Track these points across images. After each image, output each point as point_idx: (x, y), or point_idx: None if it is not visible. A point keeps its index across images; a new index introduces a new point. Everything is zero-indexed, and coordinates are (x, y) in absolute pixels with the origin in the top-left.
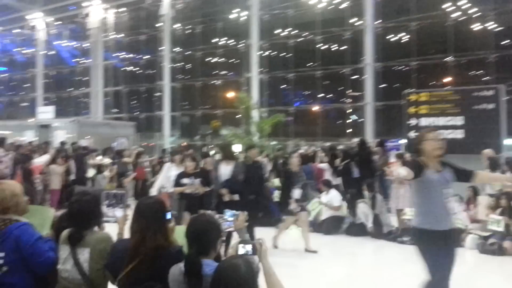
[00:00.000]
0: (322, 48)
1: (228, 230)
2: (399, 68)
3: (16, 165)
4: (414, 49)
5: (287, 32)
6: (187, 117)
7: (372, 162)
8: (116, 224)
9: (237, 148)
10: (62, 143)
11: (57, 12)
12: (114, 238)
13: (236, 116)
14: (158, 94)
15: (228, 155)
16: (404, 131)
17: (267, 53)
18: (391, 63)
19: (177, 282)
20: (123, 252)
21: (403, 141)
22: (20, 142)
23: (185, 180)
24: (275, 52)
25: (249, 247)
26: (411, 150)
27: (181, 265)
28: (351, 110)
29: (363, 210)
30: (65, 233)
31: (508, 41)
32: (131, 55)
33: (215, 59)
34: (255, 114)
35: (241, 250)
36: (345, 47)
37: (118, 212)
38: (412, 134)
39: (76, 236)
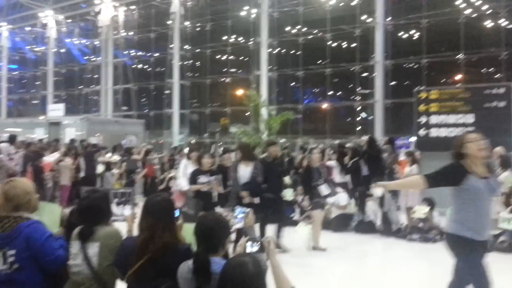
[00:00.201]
0: (332, 45)
1: (237, 227)
2: (410, 65)
3: (26, 163)
4: (425, 46)
5: (296, 30)
6: (196, 114)
7: (381, 160)
8: (125, 223)
9: None
10: (72, 141)
11: (68, 10)
12: (123, 235)
13: (245, 114)
14: (167, 91)
15: (248, 155)
16: (414, 129)
17: (276, 50)
18: (402, 61)
19: (185, 280)
20: (132, 250)
21: (413, 139)
22: (31, 140)
23: (201, 178)
24: (285, 50)
25: (257, 245)
26: (421, 148)
27: (189, 263)
28: (360, 108)
29: (372, 208)
30: (76, 229)
31: None
32: (141, 53)
33: (224, 57)
34: (264, 112)
35: (249, 248)
36: (355, 44)
37: (127, 211)
38: (422, 131)
39: (86, 231)
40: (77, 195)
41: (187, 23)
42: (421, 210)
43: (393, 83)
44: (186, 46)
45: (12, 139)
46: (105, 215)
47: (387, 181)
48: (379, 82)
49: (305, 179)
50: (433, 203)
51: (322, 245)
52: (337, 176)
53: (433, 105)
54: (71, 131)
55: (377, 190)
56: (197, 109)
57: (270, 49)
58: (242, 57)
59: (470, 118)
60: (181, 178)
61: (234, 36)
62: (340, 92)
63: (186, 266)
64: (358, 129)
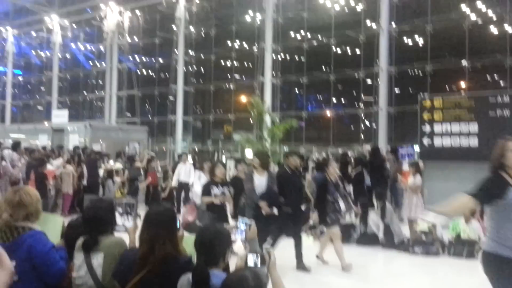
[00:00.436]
0: (336, 51)
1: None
2: (414, 72)
3: (29, 170)
4: (430, 52)
5: (301, 36)
6: (199, 121)
7: (385, 170)
8: (127, 234)
9: (248, 153)
10: (76, 148)
11: (73, 14)
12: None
13: (249, 121)
14: (171, 98)
15: (266, 164)
16: (417, 138)
17: (281, 56)
18: (406, 67)
19: None
20: (132, 262)
21: (417, 147)
22: (34, 147)
23: (214, 190)
24: (289, 56)
25: (257, 258)
26: (425, 157)
27: (189, 275)
28: (364, 116)
29: (374, 219)
30: (80, 240)
31: None
32: (145, 59)
33: (228, 63)
34: (267, 119)
35: (250, 261)
36: (359, 50)
37: (129, 222)
38: (426, 140)
39: (91, 242)
40: (79, 204)
41: (191, 29)
42: (425, 223)
43: (397, 90)
44: (191, 52)
45: (15, 146)
46: (109, 225)
47: (388, 192)
48: (383, 89)
49: (320, 192)
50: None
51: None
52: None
53: (437, 114)
54: (75, 138)
55: (429, 216)
56: (201, 115)
57: (275, 55)
58: (247, 63)
59: (474, 127)
60: (197, 190)
61: (239, 41)
62: (344, 99)
63: (186, 279)
64: (361, 137)
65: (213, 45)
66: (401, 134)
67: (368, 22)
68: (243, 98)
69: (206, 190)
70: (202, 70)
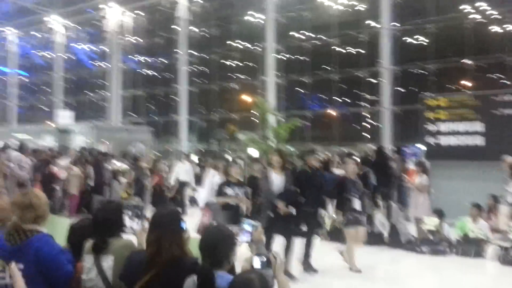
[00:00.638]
0: (339, 50)
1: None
2: (417, 71)
3: (36, 171)
4: (432, 51)
5: (303, 35)
6: (204, 121)
7: (390, 169)
8: (135, 237)
9: (253, 153)
10: (83, 149)
11: (74, 14)
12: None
13: (253, 121)
14: (175, 98)
15: (284, 163)
16: (422, 137)
17: (283, 56)
18: (409, 66)
19: None
20: (138, 264)
21: (421, 146)
22: (41, 147)
23: (228, 191)
24: (291, 56)
25: (264, 261)
26: (430, 156)
27: (195, 277)
28: (368, 115)
29: (380, 219)
30: (89, 243)
31: None
32: (148, 59)
33: (231, 63)
34: (271, 118)
35: (256, 263)
36: (362, 50)
37: (136, 224)
38: (431, 140)
39: (101, 244)
40: (86, 205)
41: (194, 28)
42: (431, 222)
43: (400, 89)
44: (193, 52)
45: (22, 148)
46: (119, 227)
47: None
48: (386, 88)
49: (339, 191)
50: (442, 215)
51: (357, 264)
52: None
53: (440, 112)
54: (80, 139)
55: None
56: (205, 115)
57: (277, 55)
58: (249, 63)
59: (479, 126)
60: (205, 190)
61: (241, 41)
62: (348, 99)
63: (191, 281)
64: (366, 136)
65: (215, 45)
66: (405, 133)
67: (370, 21)
68: (247, 98)
69: (221, 190)
70: (206, 70)
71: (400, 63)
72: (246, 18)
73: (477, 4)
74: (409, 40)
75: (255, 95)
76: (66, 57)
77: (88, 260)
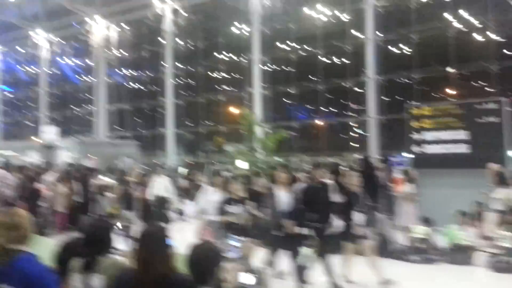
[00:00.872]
0: (324, 61)
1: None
2: (402, 80)
3: (21, 189)
4: (417, 61)
5: (288, 46)
6: (191, 134)
7: (376, 179)
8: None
9: (241, 165)
10: (70, 165)
11: (59, 29)
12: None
13: (240, 132)
14: (161, 111)
15: (290, 179)
16: (408, 146)
17: (268, 67)
18: (393, 76)
19: None
20: (127, 282)
21: (407, 155)
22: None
23: (231, 209)
24: (277, 67)
25: (251, 277)
26: (416, 165)
27: None
28: (355, 124)
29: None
30: (76, 262)
31: (511, 52)
32: (134, 72)
33: (217, 75)
34: (258, 130)
35: (244, 279)
36: (347, 60)
37: (124, 245)
38: (416, 148)
39: (90, 263)
40: (72, 221)
41: (179, 41)
42: (420, 230)
43: (386, 98)
44: (179, 65)
45: (7, 165)
46: (108, 245)
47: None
48: (372, 98)
49: (344, 206)
50: (430, 222)
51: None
52: (335, 196)
53: (424, 121)
54: (66, 154)
55: None
56: (192, 128)
57: (263, 66)
58: (235, 75)
59: (463, 134)
60: (199, 203)
61: (227, 53)
62: (334, 109)
63: None
64: (353, 145)
65: (201, 58)
66: (392, 142)
67: (354, 32)
68: (234, 110)
69: (223, 209)
70: (192, 82)
71: (385, 73)
72: (231, 30)
73: (459, 13)
74: (393, 49)
75: (242, 107)
76: (51, 72)
77: (76, 279)
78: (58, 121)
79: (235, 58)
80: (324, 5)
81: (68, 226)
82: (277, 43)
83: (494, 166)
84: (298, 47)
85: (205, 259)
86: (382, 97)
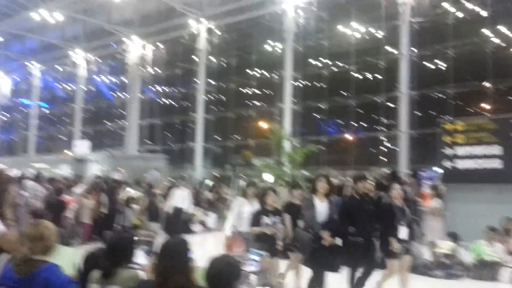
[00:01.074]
0: (357, 77)
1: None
2: (436, 95)
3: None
4: (452, 76)
5: (321, 63)
6: (219, 148)
7: (404, 194)
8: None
9: (268, 178)
10: (98, 177)
11: (97, 49)
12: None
13: (269, 147)
14: (191, 125)
15: (330, 190)
16: (438, 161)
17: (300, 83)
18: (427, 91)
19: None
20: None
21: (438, 170)
22: (55, 177)
23: (266, 219)
24: (309, 82)
25: None
26: (447, 180)
27: None
28: (385, 139)
29: None
30: (95, 273)
31: None
32: (166, 88)
33: (249, 90)
34: (287, 144)
35: None
36: (379, 75)
37: (145, 259)
38: (447, 163)
39: (108, 272)
40: (98, 232)
41: (213, 59)
42: (446, 245)
43: (418, 113)
44: (211, 81)
45: (38, 177)
46: (128, 256)
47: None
48: (404, 112)
49: (387, 220)
50: (457, 238)
51: None
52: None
53: (458, 136)
54: (96, 167)
55: None
56: (220, 142)
57: (294, 82)
58: (267, 90)
59: (496, 150)
60: (231, 220)
61: (259, 70)
62: (365, 123)
63: None
64: (382, 159)
65: (233, 74)
66: (423, 157)
67: (388, 48)
68: (263, 125)
69: (256, 220)
70: (223, 98)
71: (419, 88)
72: (264, 47)
73: (497, 28)
74: (428, 64)
75: (272, 122)
76: (86, 89)
77: None
78: (91, 135)
79: (267, 74)
80: (359, 22)
81: (93, 237)
82: (310, 60)
83: None
84: (331, 63)
85: (224, 273)
86: (415, 112)
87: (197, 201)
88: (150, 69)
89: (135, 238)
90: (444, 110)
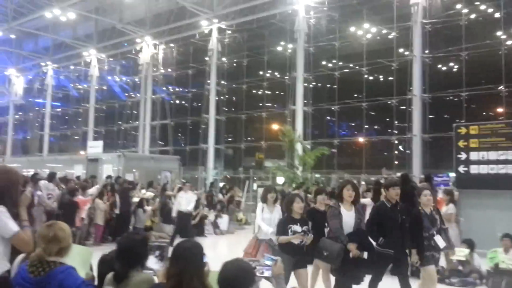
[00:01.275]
0: (369, 79)
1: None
2: (449, 98)
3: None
4: (465, 79)
5: (332, 64)
6: (231, 149)
7: (415, 198)
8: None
9: (280, 180)
10: (108, 177)
11: (110, 49)
12: None
13: (281, 148)
14: (203, 127)
15: (354, 197)
16: (453, 165)
17: (312, 85)
18: (440, 94)
19: None
20: None
21: (453, 175)
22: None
23: (295, 228)
24: (321, 84)
25: None
26: (461, 185)
27: None
28: (397, 142)
29: None
30: (110, 275)
31: None
32: (178, 89)
33: (260, 92)
34: (298, 147)
35: None
36: (392, 78)
37: (158, 265)
38: (462, 168)
39: (121, 274)
40: (111, 233)
41: (224, 59)
42: (461, 252)
43: (432, 116)
44: (223, 82)
45: (51, 177)
46: (141, 259)
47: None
48: (417, 115)
49: (414, 228)
50: (473, 245)
51: None
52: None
53: (473, 141)
54: (108, 168)
55: None
56: (232, 144)
57: (306, 84)
58: (278, 92)
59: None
60: (261, 224)
61: (270, 71)
62: (377, 126)
63: None
64: (395, 163)
65: (245, 75)
66: (435, 160)
67: (400, 49)
68: (275, 126)
69: (283, 228)
70: (234, 99)
71: (432, 91)
72: (276, 48)
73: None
74: (441, 67)
75: (283, 124)
76: (99, 89)
77: None
78: (104, 135)
79: (278, 75)
80: (370, 23)
81: (107, 238)
82: (321, 61)
83: None
84: (342, 64)
85: (237, 278)
86: (428, 115)
87: (210, 203)
88: (162, 69)
89: (147, 240)
90: (457, 114)
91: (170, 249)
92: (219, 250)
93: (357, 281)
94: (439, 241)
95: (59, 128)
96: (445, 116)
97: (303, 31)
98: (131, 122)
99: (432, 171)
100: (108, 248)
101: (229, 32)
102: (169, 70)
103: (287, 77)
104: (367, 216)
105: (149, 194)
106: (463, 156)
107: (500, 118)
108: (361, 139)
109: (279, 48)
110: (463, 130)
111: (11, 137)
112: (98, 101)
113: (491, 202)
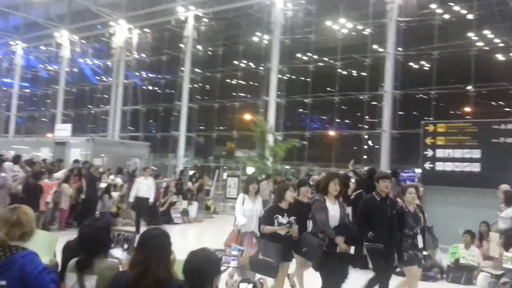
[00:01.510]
0: (342, 73)
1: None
2: (419, 96)
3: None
4: (435, 77)
5: (307, 57)
6: (202, 138)
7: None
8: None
9: (250, 171)
10: (76, 161)
11: (83, 31)
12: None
13: (252, 139)
14: (175, 114)
15: (340, 191)
16: (420, 161)
17: (286, 76)
18: (411, 91)
19: None
20: (124, 285)
21: (419, 171)
22: (34, 159)
23: (281, 219)
24: (295, 76)
25: (250, 287)
26: (426, 181)
27: None
28: (367, 137)
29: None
30: (73, 261)
31: None
32: (152, 75)
33: (234, 81)
34: (270, 138)
35: None
36: (365, 73)
37: (123, 254)
38: (427, 165)
39: (85, 262)
40: (76, 218)
41: (199, 47)
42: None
43: (401, 113)
44: (197, 70)
45: (16, 159)
46: (104, 246)
47: None
48: (387, 111)
49: (398, 226)
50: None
51: None
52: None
53: (439, 138)
54: (76, 152)
55: None
56: (204, 132)
57: (280, 75)
58: (252, 82)
59: (476, 153)
60: (238, 215)
61: (245, 61)
62: (348, 120)
63: None
64: (364, 158)
65: (219, 64)
66: (403, 156)
67: (374, 46)
68: (247, 116)
69: (270, 218)
70: (208, 87)
71: (403, 88)
72: (252, 38)
73: (483, 32)
74: (413, 65)
75: (256, 114)
76: (70, 71)
77: (70, 279)
78: (73, 119)
79: (253, 66)
80: (346, 18)
81: (72, 223)
82: (296, 54)
83: (504, 187)
84: (317, 58)
85: (205, 267)
86: (398, 112)
87: (179, 191)
88: (135, 54)
89: (111, 226)
90: (427, 112)
91: (138, 237)
92: (187, 238)
93: (342, 278)
94: (420, 241)
95: (27, 109)
96: (414, 113)
97: (279, 23)
98: (101, 106)
99: (399, 167)
100: (73, 233)
101: (206, 20)
102: (143, 55)
103: (261, 68)
104: None
105: (117, 180)
106: (429, 153)
107: (467, 117)
108: (332, 133)
109: (255, 39)
110: (430, 128)
111: None
112: (68, 83)
113: (455, 199)
